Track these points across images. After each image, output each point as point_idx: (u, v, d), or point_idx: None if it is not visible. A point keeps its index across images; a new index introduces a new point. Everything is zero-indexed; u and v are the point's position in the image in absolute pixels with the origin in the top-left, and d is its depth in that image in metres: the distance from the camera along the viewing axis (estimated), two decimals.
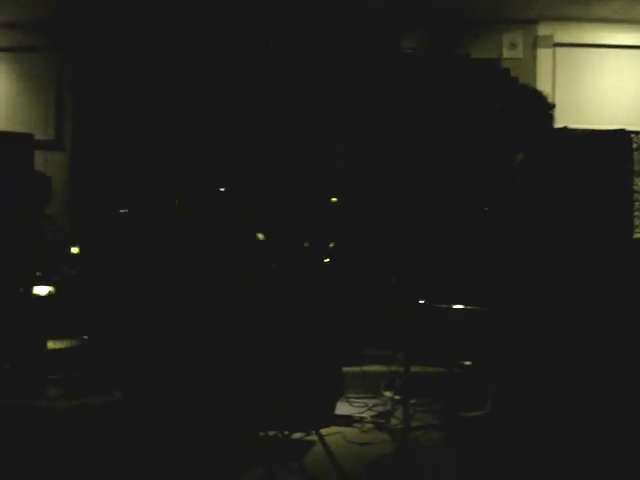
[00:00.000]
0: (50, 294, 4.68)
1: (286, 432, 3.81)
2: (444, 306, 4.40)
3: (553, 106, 4.00)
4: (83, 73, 6.56)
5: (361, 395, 4.68)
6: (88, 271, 4.71)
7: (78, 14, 6.44)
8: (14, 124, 6.43)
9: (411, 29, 5.70)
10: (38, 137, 5.69)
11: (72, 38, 6.61)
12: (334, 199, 4.62)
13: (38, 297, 4.65)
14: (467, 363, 4.47)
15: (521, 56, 6.22)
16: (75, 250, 5.15)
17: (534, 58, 6.24)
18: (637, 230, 3.66)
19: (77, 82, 6.63)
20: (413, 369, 4.01)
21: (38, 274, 4.72)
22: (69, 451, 3.49)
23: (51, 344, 4.38)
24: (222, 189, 4.65)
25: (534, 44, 6.25)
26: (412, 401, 4.05)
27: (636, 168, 3.70)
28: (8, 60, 6.90)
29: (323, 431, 3.79)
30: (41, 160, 5.80)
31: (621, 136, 3.73)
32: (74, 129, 6.62)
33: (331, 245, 4.62)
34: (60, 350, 4.34)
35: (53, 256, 4.92)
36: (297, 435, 3.88)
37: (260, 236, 4.42)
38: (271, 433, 3.81)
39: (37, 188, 5.14)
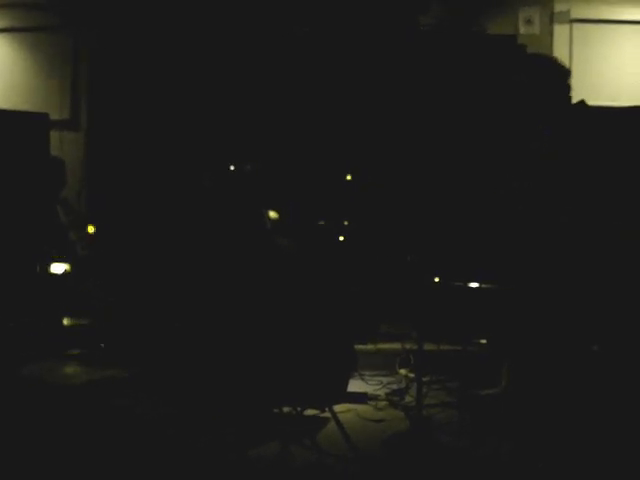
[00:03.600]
0: (66, 272, 4.73)
1: (299, 409, 3.82)
2: (459, 284, 4.39)
3: (569, 73, 3.94)
4: (98, 53, 6.57)
5: (375, 372, 4.68)
6: (102, 251, 4.74)
7: None
8: (29, 104, 6.45)
9: (427, 5, 5.63)
10: (53, 117, 5.72)
11: (87, 18, 6.61)
12: (349, 177, 4.61)
13: (54, 275, 4.70)
14: (482, 341, 4.46)
15: (537, 32, 6.15)
16: (91, 230, 5.18)
17: (551, 34, 6.16)
18: None
19: (92, 62, 6.64)
20: (428, 347, 4.01)
21: (54, 253, 4.76)
22: (84, 427, 3.53)
23: (67, 321, 4.43)
24: (232, 167, 4.65)
25: (551, 20, 6.17)
26: (426, 379, 4.04)
27: None
28: (23, 40, 6.91)
29: (337, 408, 3.80)
30: (56, 140, 5.82)
31: None
32: (89, 109, 6.64)
33: (345, 223, 4.61)
34: (76, 326, 4.39)
35: (66, 236, 4.94)
36: (311, 412, 3.89)
37: (272, 214, 4.42)
38: (285, 410, 3.82)
39: (52, 169, 5.18)
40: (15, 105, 6.31)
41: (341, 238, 4.59)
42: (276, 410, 3.82)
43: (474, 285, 4.48)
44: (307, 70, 5.06)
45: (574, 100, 3.98)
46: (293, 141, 5.03)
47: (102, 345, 4.29)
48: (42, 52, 6.85)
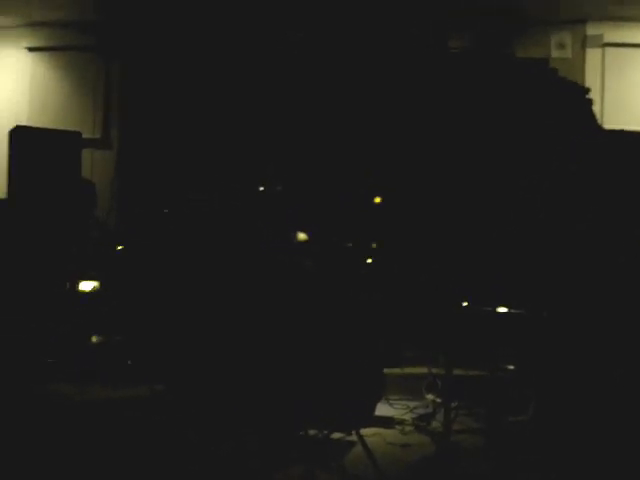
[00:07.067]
0: (94, 290, 4.76)
1: (326, 432, 3.80)
2: (488, 309, 4.34)
3: (591, 101, 3.92)
4: (130, 73, 6.66)
5: (401, 396, 4.64)
6: (131, 269, 4.77)
7: (125, 15, 6.53)
8: (62, 122, 6.54)
9: (459, 28, 5.65)
10: (85, 136, 5.80)
11: (119, 38, 6.71)
12: (378, 199, 4.60)
13: (83, 293, 4.74)
14: (510, 367, 4.41)
15: (570, 56, 6.13)
16: (120, 248, 5.22)
17: (583, 58, 6.14)
18: None
19: (124, 81, 6.73)
20: (455, 372, 3.97)
21: (83, 271, 4.81)
22: (110, 442, 3.54)
23: (95, 338, 4.46)
24: (262, 188, 4.67)
25: (583, 44, 6.15)
26: (453, 404, 4.00)
27: None
28: (57, 59, 7.04)
29: (363, 432, 3.77)
30: (87, 158, 5.90)
31: None
32: (120, 128, 6.72)
33: (373, 246, 4.60)
34: (103, 344, 4.41)
35: (97, 254, 4.99)
36: (337, 435, 3.87)
37: (301, 236, 4.42)
38: (311, 432, 3.80)
39: (84, 190, 5.24)
40: (48, 123, 6.41)
41: (369, 260, 4.58)
42: (302, 433, 3.80)
43: (503, 310, 4.43)
44: (339, 89, 5.08)
45: (605, 123, 3.95)
46: (323, 162, 5.04)
47: (129, 362, 4.31)
48: (75, 71, 6.96)
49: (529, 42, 6.12)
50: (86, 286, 4.76)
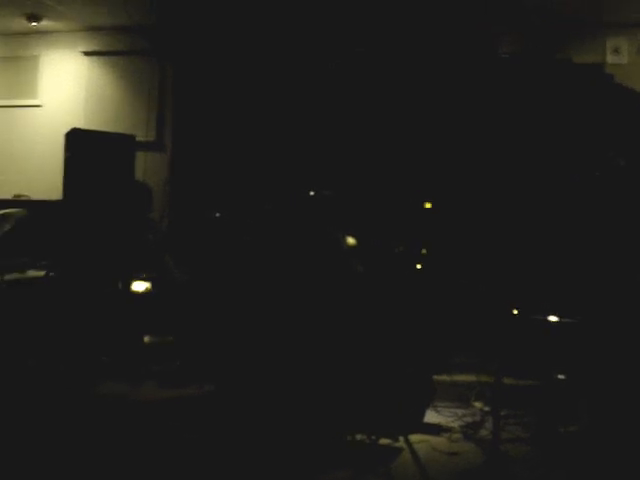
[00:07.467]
0: (147, 291, 4.84)
1: (374, 437, 3.79)
2: (539, 317, 4.29)
3: None
4: (183, 76, 6.74)
5: (449, 404, 4.61)
6: (185, 271, 4.83)
7: (179, 20, 6.62)
8: (117, 125, 6.67)
9: (512, 33, 5.60)
10: (139, 138, 5.89)
11: (173, 42, 6.81)
12: (428, 204, 4.59)
13: (136, 293, 4.81)
14: (561, 377, 4.35)
15: (625, 62, 6.03)
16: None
17: (638, 64, 6.04)
18: None
19: (177, 85, 6.82)
20: (504, 380, 3.93)
21: (136, 272, 4.88)
22: (163, 441, 3.59)
23: (147, 338, 4.53)
24: (312, 192, 4.69)
25: (638, 49, 6.05)
26: (503, 413, 3.96)
27: None
28: (112, 63, 7.17)
29: (410, 438, 3.76)
30: (141, 161, 5.99)
31: None
32: (173, 131, 6.81)
33: (424, 251, 4.58)
34: (156, 344, 4.48)
35: (152, 255, 5.06)
36: (384, 441, 3.86)
37: (350, 241, 4.42)
38: (358, 437, 3.81)
39: (140, 193, 5.31)
40: (103, 126, 6.53)
41: (418, 266, 4.57)
42: (349, 437, 3.80)
43: (554, 319, 4.38)
44: (388, 97, 5.07)
45: None
46: (374, 167, 5.04)
47: (179, 363, 4.37)
48: (129, 75, 7.09)
49: (584, 47, 6.04)
50: (139, 287, 4.84)
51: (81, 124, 6.65)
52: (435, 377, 4.54)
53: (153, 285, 4.82)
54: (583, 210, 3.99)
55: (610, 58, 6.02)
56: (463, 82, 4.79)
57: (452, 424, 4.30)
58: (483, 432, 4.13)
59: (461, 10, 5.55)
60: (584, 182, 4.00)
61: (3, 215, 4.52)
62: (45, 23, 7.07)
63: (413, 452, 3.53)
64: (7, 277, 4.25)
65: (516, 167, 4.22)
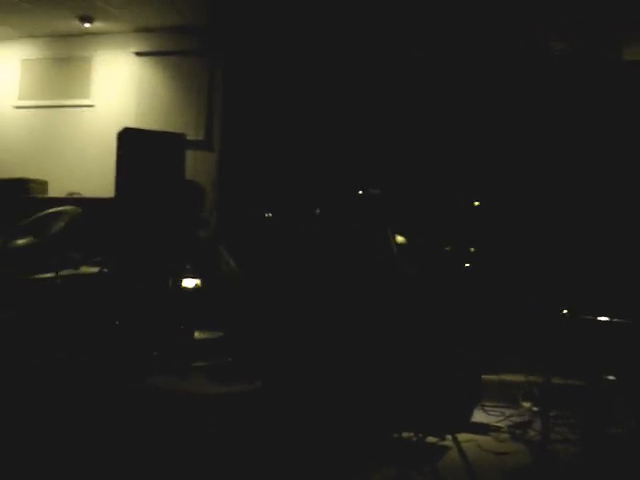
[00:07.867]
0: (197, 287, 4.90)
1: (421, 435, 3.80)
2: (589, 317, 4.25)
3: None
4: (233, 76, 6.81)
5: (496, 403, 4.59)
6: (240, 268, 4.88)
7: (230, 20, 6.69)
8: (167, 124, 6.76)
9: (565, 31, 5.53)
10: (189, 137, 5.96)
11: (223, 43, 6.88)
12: (477, 203, 4.57)
13: (186, 289, 4.88)
14: (611, 378, 4.29)
15: None
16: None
17: None
18: None
19: (226, 85, 6.89)
20: (553, 380, 3.90)
21: (187, 269, 4.95)
22: (211, 437, 3.64)
23: (197, 334, 4.59)
24: (360, 192, 4.70)
25: None
26: (552, 413, 3.93)
27: None
28: (163, 64, 7.28)
29: (457, 437, 3.75)
30: (191, 160, 6.06)
31: None
32: (223, 130, 6.88)
33: (472, 250, 4.56)
34: (206, 339, 4.54)
35: (203, 252, 5.13)
36: (431, 439, 3.86)
37: (400, 239, 4.43)
38: (405, 435, 3.81)
39: (192, 192, 5.38)
40: (154, 125, 6.63)
41: (467, 265, 4.55)
42: (396, 435, 3.81)
43: (604, 319, 4.32)
44: (442, 97, 5.07)
45: None
46: (423, 166, 5.04)
47: (229, 359, 4.42)
48: (180, 75, 7.18)
49: (635, 45, 5.92)
50: (189, 283, 4.91)
51: (132, 123, 6.76)
52: (483, 377, 4.53)
53: (203, 282, 4.89)
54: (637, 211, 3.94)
55: None
56: (517, 85, 4.76)
57: (500, 424, 4.29)
58: (531, 432, 4.10)
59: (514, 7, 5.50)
60: (637, 183, 3.95)
61: (57, 213, 4.62)
62: (97, 24, 7.20)
63: (461, 451, 3.52)
64: (61, 273, 4.35)
65: (571, 167, 4.18)
